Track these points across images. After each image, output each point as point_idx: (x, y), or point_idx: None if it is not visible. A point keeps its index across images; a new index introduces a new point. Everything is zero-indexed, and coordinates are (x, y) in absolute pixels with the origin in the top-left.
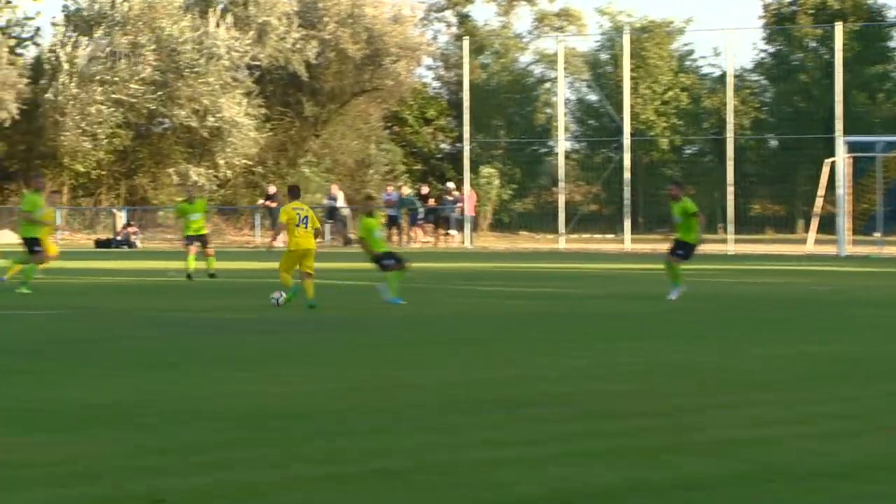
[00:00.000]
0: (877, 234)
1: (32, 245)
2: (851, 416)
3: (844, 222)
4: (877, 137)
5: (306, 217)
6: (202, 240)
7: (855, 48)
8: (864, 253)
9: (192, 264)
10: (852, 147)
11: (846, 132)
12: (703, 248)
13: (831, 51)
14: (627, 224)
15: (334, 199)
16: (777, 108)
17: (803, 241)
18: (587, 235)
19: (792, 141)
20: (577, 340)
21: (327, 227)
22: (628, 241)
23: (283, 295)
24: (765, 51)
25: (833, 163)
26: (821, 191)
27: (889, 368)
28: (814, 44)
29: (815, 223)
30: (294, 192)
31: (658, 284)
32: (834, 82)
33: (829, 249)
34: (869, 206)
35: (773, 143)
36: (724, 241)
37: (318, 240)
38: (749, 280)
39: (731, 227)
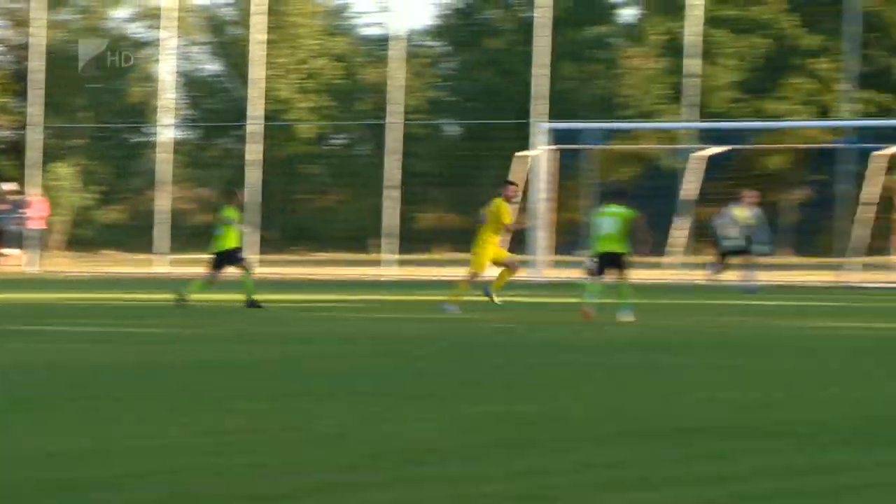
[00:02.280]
0: (584, 253)
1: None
2: (532, 496)
3: (542, 237)
4: (587, 123)
5: None
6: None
7: (565, 4)
8: (567, 278)
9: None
10: (557, 136)
11: (550, 116)
12: (350, 273)
13: (533, 6)
14: (255, 240)
15: None
16: (460, 83)
17: None
18: (200, 255)
19: (478, 127)
20: (181, 401)
21: None
22: (255, 265)
23: None
24: (446, 6)
25: (531, 157)
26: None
27: (578, 434)
28: None
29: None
30: None
31: (305, 323)
32: (533, 50)
33: (522, 273)
34: (575, 215)
35: (454, 130)
36: (379, 262)
37: None
38: (413, 316)
39: (389, 244)
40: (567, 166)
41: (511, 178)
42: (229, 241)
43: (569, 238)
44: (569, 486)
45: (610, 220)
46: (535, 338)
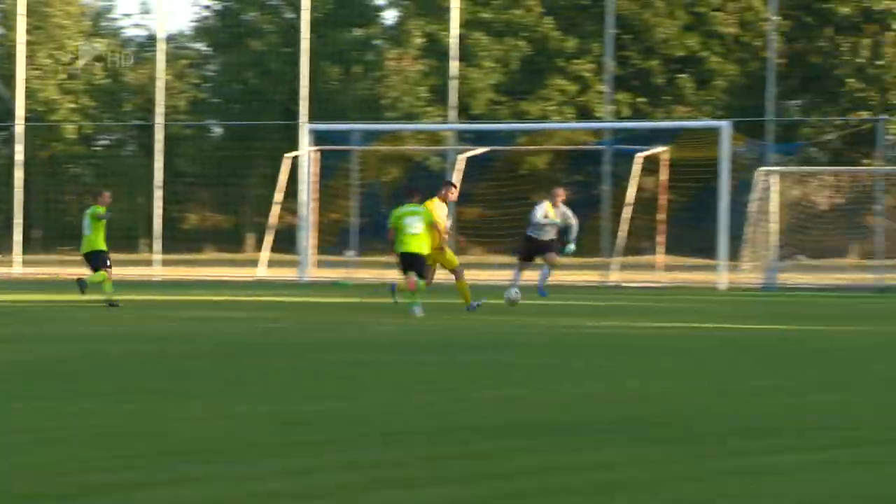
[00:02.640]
0: (350, 254)
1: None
2: (301, 495)
3: (308, 237)
4: (352, 124)
5: None
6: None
7: (327, 6)
8: (331, 278)
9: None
10: (320, 137)
11: (312, 117)
12: (119, 273)
13: (296, 8)
14: (19, 239)
15: None
16: (223, 85)
17: (254, 263)
18: None
19: (242, 129)
20: None
21: None
22: (19, 264)
23: None
24: (208, 8)
25: (295, 158)
26: (278, 195)
27: (345, 434)
28: (274, 0)
29: (269, 238)
30: None
31: (74, 323)
32: (298, 52)
33: (289, 273)
34: (341, 215)
35: (218, 131)
36: (150, 262)
37: None
38: (182, 315)
39: (157, 244)
40: (331, 167)
41: (280, 178)
42: (97, 241)
43: (333, 238)
44: (335, 486)
45: (415, 218)
46: (304, 337)
